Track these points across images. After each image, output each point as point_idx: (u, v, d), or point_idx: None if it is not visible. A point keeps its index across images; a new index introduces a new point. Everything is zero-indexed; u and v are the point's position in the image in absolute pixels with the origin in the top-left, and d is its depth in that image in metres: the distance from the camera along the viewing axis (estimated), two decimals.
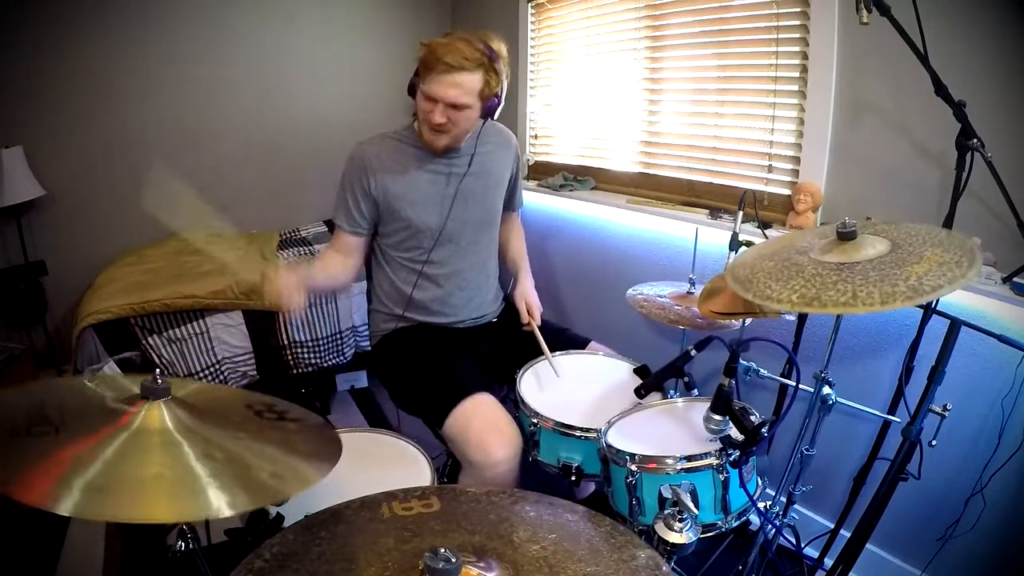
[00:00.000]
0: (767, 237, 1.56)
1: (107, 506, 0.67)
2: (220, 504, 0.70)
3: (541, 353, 1.52)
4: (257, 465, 0.79)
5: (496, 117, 1.51)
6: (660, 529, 0.93)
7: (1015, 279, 1.29)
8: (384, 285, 1.63)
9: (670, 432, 1.18)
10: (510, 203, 1.77)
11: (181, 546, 0.91)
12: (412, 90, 1.46)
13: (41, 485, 0.66)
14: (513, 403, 1.38)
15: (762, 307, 1.35)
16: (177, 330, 2.23)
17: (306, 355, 2.48)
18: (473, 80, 1.37)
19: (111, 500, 0.67)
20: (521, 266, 1.80)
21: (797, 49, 1.71)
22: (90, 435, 0.75)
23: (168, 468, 0.74)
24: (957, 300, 1.35)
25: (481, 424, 1.31)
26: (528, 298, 1.69)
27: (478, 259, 1.63)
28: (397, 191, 1.50)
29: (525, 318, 1.64)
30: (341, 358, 2.56)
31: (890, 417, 1.31)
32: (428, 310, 1.60)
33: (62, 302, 2.72)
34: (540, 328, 1.66)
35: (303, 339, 2.47)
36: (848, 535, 1.32)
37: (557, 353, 1.53)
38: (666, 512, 0.95)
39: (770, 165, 1.85)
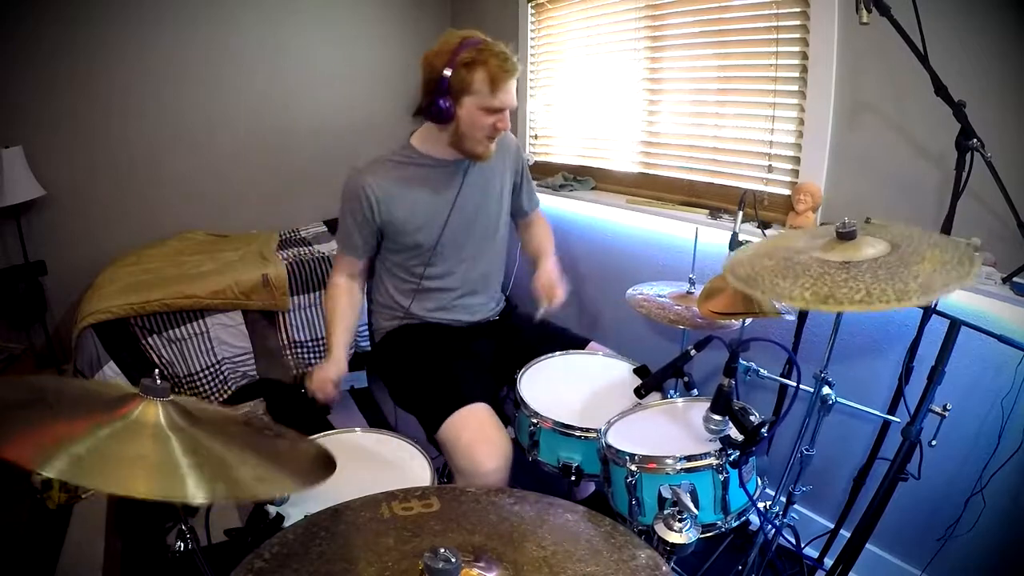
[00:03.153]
0: (763, 239, 1.56)
1: (89, 475, 0.68)
2: (195, 491, 0.71)
3: (547, 351, 1.53)
4: (238, 467, 0.79)
5: None
6: (660, 529, 0.93)
7: (1015, 279, 1.29)
8: (386, 288, 1.62)
9: (670, 432, 1.18)
10: (526, 204, 1.74)
11: (181, 546, 0.91)
12: (446, 114, 1.37)
13: (29, 447, 0.68)
14: (513, 403, 1.38)
15: (762, 307, 1.35)
16: (177, 330, 2.23)
17: (306, 355, 2.48)
18: None
19: (93, 471, 0.69)
20: (542, 253, 1.67)
21: (797, 49, 1.71)
22: (85, 417, 0.76)
23: (152, 453, 0.75)
24: (957, 300, 1.35)
25: (471, 435, 1.31)
26: (545, 279, 1.55)
27: (479, 268, 1.62)
28: (402, 216, 1.49)
29: (543, 304, 1.53)
30: None
31: (890, 417, 1.31)
32: (429, 313, 1.60)
33: (62, 302, 2.72)
34: (541, 328, 1.66)
35: (303, 339, 2.47)
36: (848, 535, 1.32)
37: (557, 353, 1.54)
38: (666, 512, 0.95)
39: (770, 165, 1.85)
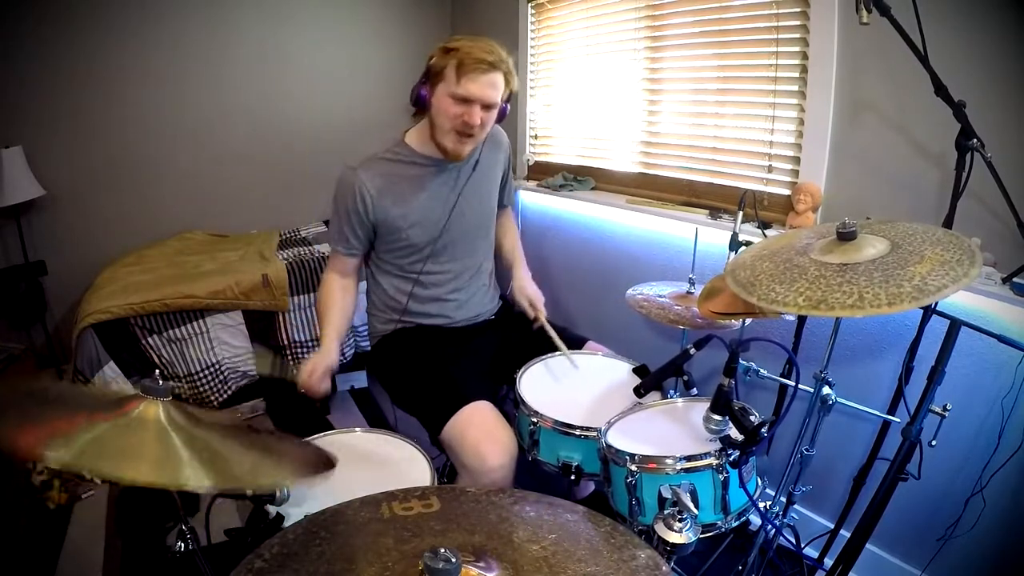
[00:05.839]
0: (767, 237, 1.56)
1: (90, 462, 0.70)
2: (195, 480, 0.73)
3: (547, 350, 1.53)
4: (236, 461, 0.81)
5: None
6: (660, 529, 0.93)
7: (1015, 279, 1.29)
8: (381, 289, 1.62)
9: (670, 432, 1.18)
10: (505, 198, 1.77)
11: (181, 546, 0.91)
12: (422, 100, 1.41)
13: (31, 437, 0.69)
14: (513, 402, 1.38)
15: (762, 307, 1.35)
16: (177, 330, 2.23)
17: (306, 355, 2.47)
18: (502, 80, 1.38)
19: (95, 458, 0.70)
20: (516, 260, 1.76)
21: (797, 49, 1.71)
22: (86, 415, 0.77)
23: (154, 445, 0.76)
24: (957, 300, 1.35)
25: (477, 432, 1.31)
26: (528, 292, 1.65)
27: (475, 263, 1.63)
28: (397, 213, 1.49)
29: (531, 314, 1.61)
30: (341, 358, 2.55)
31: (890, 417, 1.31)
32: (426, 313, 1.60)
33: (62, 302, 2.73)
34: (541, 328, 1.66)
35: (303, 339, 2.47)
36: (848, 535, 1.32)
37: (557, 353, 1.53)
38: (666, 512, 0.95)
39: (770, 165, 1.85)
